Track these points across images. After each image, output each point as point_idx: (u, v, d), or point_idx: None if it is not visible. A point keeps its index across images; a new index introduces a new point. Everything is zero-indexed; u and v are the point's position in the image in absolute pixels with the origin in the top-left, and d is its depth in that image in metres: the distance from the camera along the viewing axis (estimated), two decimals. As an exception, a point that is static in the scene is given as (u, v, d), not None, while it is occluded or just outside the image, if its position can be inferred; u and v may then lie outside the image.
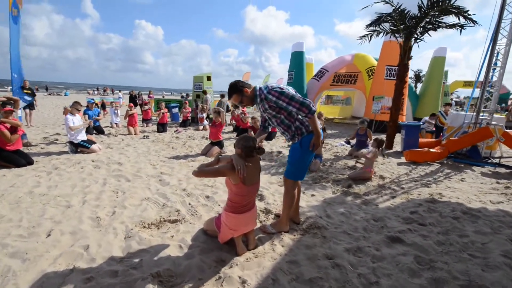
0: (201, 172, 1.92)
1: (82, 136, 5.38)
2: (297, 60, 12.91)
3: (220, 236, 2.16)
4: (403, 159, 5.96)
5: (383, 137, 4.66)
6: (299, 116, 2.25)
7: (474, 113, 5.94)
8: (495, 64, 5.61)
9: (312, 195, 3.57)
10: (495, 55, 5.54)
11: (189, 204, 3.12)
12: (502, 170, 5.27)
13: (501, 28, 5.34)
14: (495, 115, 6.06)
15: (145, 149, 6.10)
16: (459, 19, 5.91)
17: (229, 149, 6.39)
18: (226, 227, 2.09)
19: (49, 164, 4.55)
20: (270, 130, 2.73)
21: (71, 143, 5.28)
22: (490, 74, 5.63)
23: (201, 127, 9.41)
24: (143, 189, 3.57)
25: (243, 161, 1.95)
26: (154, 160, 5.10)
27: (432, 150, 5.71)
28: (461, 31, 6.03)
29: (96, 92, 34.83)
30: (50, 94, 30.50)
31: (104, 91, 34.86)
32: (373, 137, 5.35)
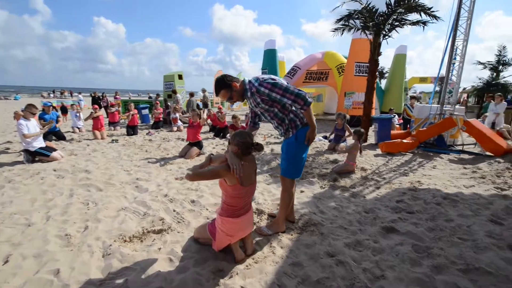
0: (196, 175, 1.70)
1: (40, 143, 4.73)
2: (270, 57, 12.92)
3: (216, 244, 1.97)
4: (378, 151, 6.20)
5: (362, 129, 4.78)
6: (293, 108, 2.13)
7: (439, 105, 6.38)
8: (455, 59, 6.07)
9: (302, 191, 3.50)
10: (454, 50, 6.00)
11: (174, 210, 2.85)
12: (466, 156, 5.72)
13: (459, 25, 5.78)
14: (449, 106, 6.55)
15: (115, 154, 5.58)
16: (420, 15, 6.30)
17: (208, 149, 6.12)
18: (223, 234, 1.90)
19: (0, 176, 3.91)
20: (259, 126, 2.58)
21: (26, 151, 4.62)
22: (451, 68, 6.08)
23: (175, 128, 8.95)
24: (118, 198, 3.21)
25: (238, 160, 1.78)
26: (127, 166, 4.67)
27: (404, 141, 6.02)
28: (423, 27, 6.44)
29: (52, 95, 31.57)
30: (-5, 99, 27.02)
31: (61, 93, 31.66)
32: (351, 130, 5.47)
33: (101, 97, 12.98)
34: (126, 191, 3.43)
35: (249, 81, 2.06)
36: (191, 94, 11.10)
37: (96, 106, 7.79)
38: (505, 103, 8.03)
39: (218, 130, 8.10)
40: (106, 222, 2.57)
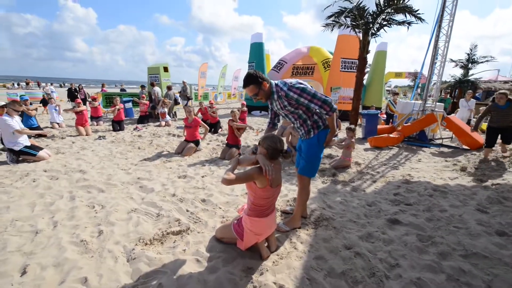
0: (234, 180, 1.73)
1: (25, 141, 4.42)
2: (257, 51, 12.84)
3: (244, 244, 2.03)
4: (367, 145, 6.53)
5: (352, 126, 5.00)
6: (317, 110, 2.22)
7: (421, 101, 6.81)
8: (436, 58, 6.48)
9: (306, 187, 3.63)
10: (436, 50, 6.39)
11: (187, 210, 2.85)
12: (445, 149, 6.21)
13: (441, 27, 6.16)
14: (430, 103, 7.01)
15: (106, 151, 5.36)
16: (406, 16, 6.61)
17: (203, 145, 6.06)
18: (251, 233, 1.97)
19: (-16, 179, 3.63)
20: (277, 127, 2.63)
21: (10, 150, 4.30)
22: (433, 67, 6.49)
23: (163, 123, 8.70)
24: (124, 199, 3.13)
25: (269, 162, 1.84)
26: (123, 164, 4.53)
27: (391, 135, 6.38)
28: (408, 27, 6.77)
29: (17, 86, 28.87)
30: None
31: (27, 84, 29.05)
32: (342, 127, 5.67)
33: (78, 89, 12.18)
34: (131, 192, 3.35)
35: (276, 84, 2.10)
36: (169, 87, 10.59)
37: (79, 100, 7.34)
38: (474, 100, 8.73)
39: (210, 125, 8.01)
40: (121, 226, 2.52)
